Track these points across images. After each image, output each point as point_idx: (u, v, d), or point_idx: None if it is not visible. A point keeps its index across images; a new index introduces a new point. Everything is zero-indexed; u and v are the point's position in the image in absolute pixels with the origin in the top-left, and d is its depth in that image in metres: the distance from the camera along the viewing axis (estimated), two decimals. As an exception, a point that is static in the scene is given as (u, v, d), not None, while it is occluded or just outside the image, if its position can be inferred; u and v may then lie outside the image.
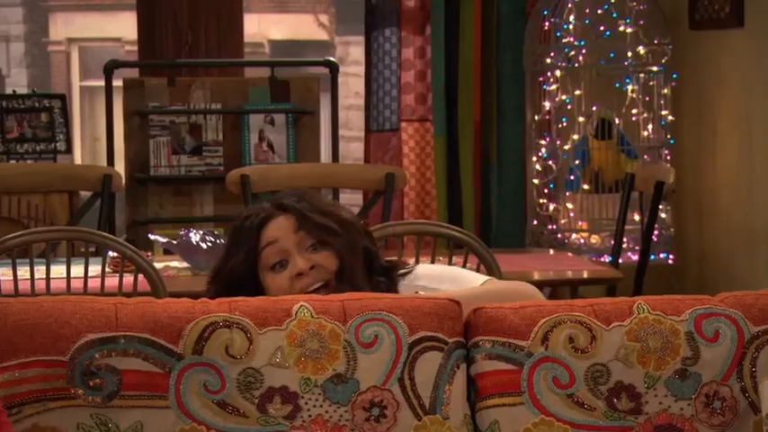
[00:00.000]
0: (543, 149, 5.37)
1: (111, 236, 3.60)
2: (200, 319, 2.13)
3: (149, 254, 4.26)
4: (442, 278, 2.47)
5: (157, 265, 3.68)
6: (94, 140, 9.32)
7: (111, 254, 3.70)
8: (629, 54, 5.27)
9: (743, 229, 5.18)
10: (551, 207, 5.38)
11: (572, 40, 5.28)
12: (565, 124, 5.33)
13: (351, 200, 7.21)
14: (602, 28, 5.26)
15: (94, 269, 3.56)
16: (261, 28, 9.18)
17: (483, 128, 5.62)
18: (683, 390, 2.18)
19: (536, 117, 5.38)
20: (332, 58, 5.78)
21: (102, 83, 5.55)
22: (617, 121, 5.33)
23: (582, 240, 5.32)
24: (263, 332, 2.13)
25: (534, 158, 5.41)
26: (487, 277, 2.50)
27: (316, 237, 2.43)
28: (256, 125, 5.56)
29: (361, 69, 5.75)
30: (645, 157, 5.33)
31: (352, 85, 8.93)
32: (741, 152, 5.19)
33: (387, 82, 5.62)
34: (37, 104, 5.67)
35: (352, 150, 8.87)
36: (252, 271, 2.44)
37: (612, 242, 4.89)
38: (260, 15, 9.14)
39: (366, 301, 2.20)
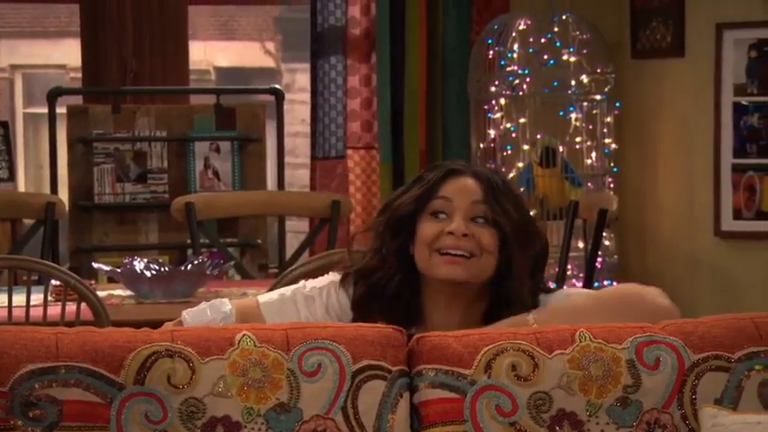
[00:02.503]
0: (488, 177, 5.39)
1: (53, 264, 3.58)
2: (141, 349, 2.12)
3: (93, 282, 4.23)
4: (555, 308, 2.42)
5: (101, 294, 3.66)
6: (38, 168, 9.25)
7: (53, 282, 3.67)
8: (573, 83, 5.31)
9: (685, 255, 5.23)
10: (496, 234, 5.40)
11: (516, 68, 5.31)
12: (509, 152, 5.36)
13: (297, 227, 7.20)
14: (545, 57, 5.29)
15: (37, 298, 3.53)
16: (207, 55, 9.15)
17: (428, 155, 5.64)
18: (624, 417, 2.19)
19: (481, 145, 5.41)
20: (278, 86, 5.78)
21: (45, 110, 5.51)
22: (561, 149, 5.36)
23: (527, 267, 5.33)
24: (206, 361, 2.12)
25: (479, 186, 5.42)
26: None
27: (491, 212, 2.41)
28: (202, 152, 5.55)
29: (308, 96, 5.76)
30: (588, 184, 5.37)
31: (298, 112, 8.93)
32: (682, 179, 5.24)
33: (333, 109, 5.63)
34: (-21, 132, 5.62)
35: (299, 177, 8.86)
36: (416, 213, 2.43)
37: (557, 269, 4.92)
38: (206, 42, 9.12)
39: (309, 330, 2.20)
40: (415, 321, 2.43)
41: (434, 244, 2.39)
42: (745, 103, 4.92)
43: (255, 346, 2.15)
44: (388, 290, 2.43)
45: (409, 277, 2.43)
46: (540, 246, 2.46)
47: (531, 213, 2.59)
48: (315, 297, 2.47)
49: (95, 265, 4.15)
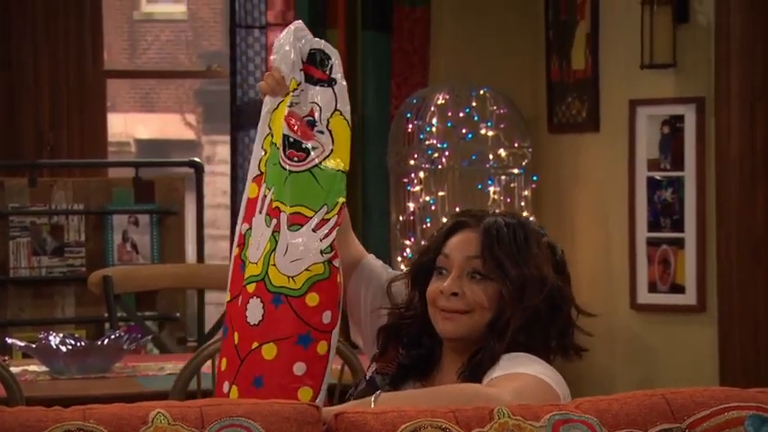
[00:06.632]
0: (408, 250, 5.42)
1: (-35, 340, 3.52)
2: (52, 428, 2.08)
3: (6, 358, 4.17)
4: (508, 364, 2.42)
5: (15, 370, 3.61)
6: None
7: (-35, 359, 3.61)
8: (491, 156, 5.37)
9: (602, 327, 5.25)
10: (416, 307, 5.41)
11: (435, 142, 5.37)
12: (429, 225, 5.39)
13: (219, 298, 7.15)
14: (464, 131, 5.35)
15: (-52, 375, 3.46)
16: (127, 127, 9.14)
17: (348, 227, 5.64)
18: (538, 496, 2.18)
19: (401, 217, 5.44)
20: (197, 159, 5.78)
21: (-40, 183, 5.45)
22: (480, 221, 5.40)
23: (446, 340, 5.35)
24: (119, 441, 2.09)
25: (399, 258, 5.45)
26: (521, 371, 2.40)
27: (484, 268, 2.43)
28: (120, 226, 5.51)
29: (229, 168, 5.76)
30: (507, 257, 5.40)
31: (220, 183, 8.92)
32: (599, 252, 5.30)
33: (252, 182, 5.62)
34: None
35: (220, 249, 8.83)
36: (430, 265, 2.49)
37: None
38: (126, 114, 9.11)
39: (224, 406, 2.18)
40: (437, 365, 2.52)
41: (435, 302, 2.46)
42: (658, 177, 5.00)
43: (169, 423, 2.12)
44: (409, 331, 2.53)
45: (429, 324, 2.50)
46: (545, 300, 2.49)
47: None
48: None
49: (9, 341, 4.09)
